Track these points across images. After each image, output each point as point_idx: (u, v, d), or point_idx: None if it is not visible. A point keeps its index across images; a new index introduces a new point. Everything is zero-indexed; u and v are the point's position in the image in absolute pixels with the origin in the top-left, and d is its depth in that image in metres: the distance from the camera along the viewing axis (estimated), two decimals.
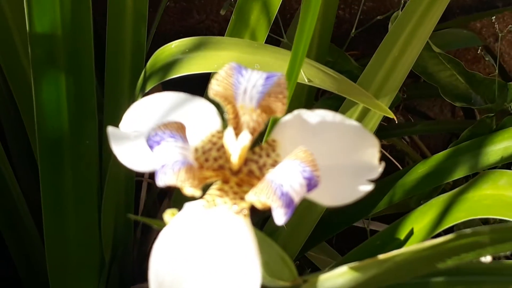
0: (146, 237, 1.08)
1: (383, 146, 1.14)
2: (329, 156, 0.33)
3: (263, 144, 0.33)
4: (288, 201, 0.28)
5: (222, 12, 0.97)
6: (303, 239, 0.86)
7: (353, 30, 1.07)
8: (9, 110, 0.83)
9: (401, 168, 1.09)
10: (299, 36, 0.48)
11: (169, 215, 0.31)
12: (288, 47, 1.01)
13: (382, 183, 0.91)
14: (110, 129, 0.34)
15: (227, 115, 0.32)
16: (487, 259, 0.32)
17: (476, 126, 0.97)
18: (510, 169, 0.90)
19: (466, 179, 0.92)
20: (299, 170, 0.29)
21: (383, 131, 1.13)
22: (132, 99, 0.75)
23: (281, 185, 0.28)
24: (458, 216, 0.54)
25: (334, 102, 0.99)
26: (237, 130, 0.32)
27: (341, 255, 1.08)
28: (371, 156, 0.34)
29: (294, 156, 0.30)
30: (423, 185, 0.85)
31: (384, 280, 0.37)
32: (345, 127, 0.34)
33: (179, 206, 0.34)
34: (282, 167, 0.30)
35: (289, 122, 0.33)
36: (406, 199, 0.88)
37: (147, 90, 0.63)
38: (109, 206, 0.75)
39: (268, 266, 0.35)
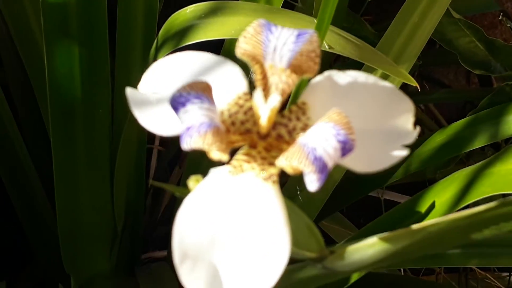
0: (157, 204, 1.07)
1: None
2: (362, 120, 0.31)
3: (293, 106, 0.31)
4: (321, 166, 0.26)
5: None
6: (318, 209, 0.84)
7: None
8: (19, 78, 0.82)
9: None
10: (325, 3, 0.46)
11: (193, 181, 0.30)
12: (302, 12, 0.98)
13: None
14: (129, 91, 0.32)
15: (255, 75, 0.30)
16: None
17: (496, 94, 0.94)
18: None
19: (482, 149, 0.91)
20: (333, 133, 0.27)
21: None
22: (145, 66, 0.73)
23: (314, 149, 0.27)
24: (483, 191, 0.53)
25: (353, 65, 0.98)
26: (265, 92, 0.30)
27: (354, 225, 1.07)
28: (406, 120, 0.32)
29: (327, 118, 0.28)
30: (441, 155, 0.84)
31: (415, 251, 0.35)
32: (378, 89, 0.32)
33: (191, 174, 0.32)
34: (314, 130, 0.28)
35: (319, 84, 0.31)
36: (422, 169, 0.87)
37: (160, 58, 0.62)
38: (121, 174, 0.74)
39: (294, 236, 0.34)
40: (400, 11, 0.81)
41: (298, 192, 0.71)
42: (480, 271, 1.08)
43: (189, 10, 0.61)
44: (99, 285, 0.80)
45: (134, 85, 0.78)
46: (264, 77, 0.30)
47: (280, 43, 0.29)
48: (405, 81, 0.64)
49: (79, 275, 0.79)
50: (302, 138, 0.27)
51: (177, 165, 1.05)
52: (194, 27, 0.60)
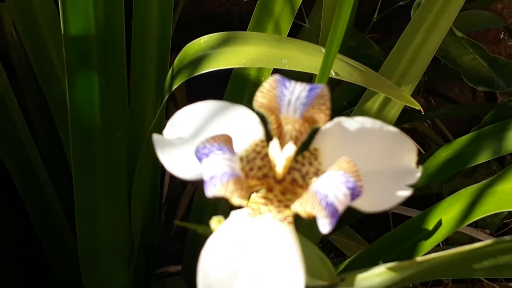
0: (170, 221, 1.10)
1: (404, 130, 1.15)
2: (369, 163, 0.34)
3: (306, 152, 0.34)
4: (333, 211, 0.29)
5: None
6: None
7: (375, 14, 1.07)
8: (39, 106, 0.85)
9: (422, 151, 1.10)
10: (332, 35, 0.49)
11: (215, 222, 0.33)
12: (310, 33, 1.01)
13: None
14: (156, 136, 0.35)
15: (271, 125, 0.33)
16: None
17: (499, 110, 0.97)
18: None
19: (487, 162, 0.93)
20: (343, 180, 0.30)
21: (405, 115, 1.13)
22: (159, 92, 0.76)
23: (326, 196, 0.30)
24: (487, 209, 0.55)
25: (357, 86, 1.00)
26: (280, 140, 0.33)
27: (363, 237, 1.09)
28: (409, 160, 0.35)
29: (338, 166, 0.31)
30: (446, 169, 0.86)
31: (419, 278, 0.38)
32: (384, 133, 0.35)
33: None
34: (326, 177, 0.31)
35: (329, 131, 0.34)
36: (428, 183, 0.89)
37: (175, 86, 0.64)
38: (138, 194, 0.77)
39: (308, 267, 0.37)
40: (404, 32, 0.83)
41: None
42: (487, 281, 1.10)
43: (203, 41, 0.64)
44: None
45: (148, 111, 0.81)
46: (279, 126, 0.33)
47: (294, 97, 0.32)
48: (408, 104, 0.67)
49: None
50: (315, 185, 0.30)
51: (190, 182, 1.08)
52: (207, 57, 0.63)
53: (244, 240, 0.32)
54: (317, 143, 0.34)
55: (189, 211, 0.97)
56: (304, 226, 0.85)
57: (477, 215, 0.55)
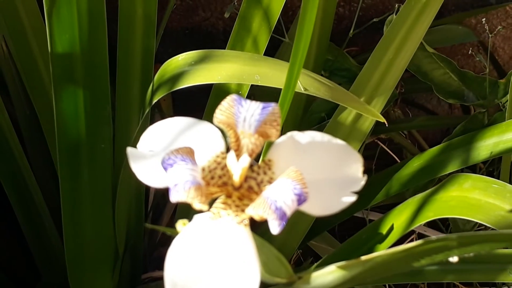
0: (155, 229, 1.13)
1: (381, 140, 1.19)
2: (318, 171, 0.38)
3: (261, 163, 0.38)
4: (281, 214, 0.34)
5: (226, 15, 1.02)
6: (305, 230, 0.91)
7: (352, 29, 1.12)
8: (29, 119, 0.89)
9: (399, 161, 1.14)
10: (295, 53, 0.53)
11: (181, 224, 0.37)
12: (289, 47, 1.05)
13: (380, 176, 0.96)
14: (129, 150, 0.40)
15: (229, 139, 0.37)
16: (454, 259, 0.37)
17: (469, 122, 1.02)
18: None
19: (462, 170, 0.97)
20: (291, 187, 0.34)
21: (381, 126, 1.18)
22: (142, 107, 0.80)
23: (276, 201, 0.34)
24: (427, 215, 0.60)
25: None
26: (238, 152, 0.37)
27: (341, 243, 1.13)
28: (355, 170, 0.39)
29: (286, 175, 0.35)
30: (418, 178, 0.90)
31: (367, 276, 0.42)
32: (332, 145, 0.39)
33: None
34: (276, 185, 0.35)
35: (283, 143, 0.39)
36: (402, 191, 0.94)
37: (155, 100, 0.69)
38: (122, 202, 0.81)
39: (266, 266, 0.41)
40: (376, 48, 0.88)
41: None
42: (463, 286, 1.13)
43: (181, 58, 0.69)
44: None
45: (133, 122, 0.84)
46: (237, 140, 0.37)
47: (248, 114, 0.36)
48: (375, 118, 0.71)
49: None
50: (266, 192, 0.35)
51: None
52: (185, 73, 0.68)
53: (205, 240, 0.36)
54: (271, 154, 0.39)
55: (174, 217, 1.01)
56: (282, 235, 0.89)
57: (420, 221, 0.60)
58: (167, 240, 1.08)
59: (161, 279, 1.05)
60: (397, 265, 0.39)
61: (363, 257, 0.39)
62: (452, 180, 0.62)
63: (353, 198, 0.38)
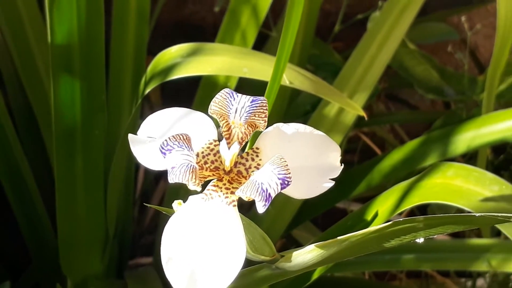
0: (143, 216, 1.17)
1: (364, 133, 1.23)
2: (300, 159, 0.43)
3: (249, 150, 0.43)
4: (266, 196, 0.38)
5: (217, 9, 1.06)
6: (288, 219, 0.95)
7: (337, 25, 1.16)
8: (22, 105, 0.92)
9: (380, 153, 1.18)
10: (281, 47, 0.57)
11: (176, 204, 0.41)
12: (277, 41, 1.09)
13: (362, 168, 1.00)
14: (130, 136, 0.44)
15: (222, 128, 0.41)
16: (420, 240, 0.41)
17: (448, 116, 1.06)
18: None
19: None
20: (276, 173, 0.38)
21: (364, 119, 1.22)
22: (135, 95, 0.84)
23: (262, 184, 0.38)
24: (412, 201, 0.64)
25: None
26: (229, 140, 0.42)
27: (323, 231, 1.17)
28: (334, 159, 0.44)
29: (272, 162, 0.39)
30: (399, 170, 0.94)
31: (344, 255, 0.47)
32: (313, 136, 0.43)
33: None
34: (262, 170, 0.39)
35: (269, 133, 0.43)
36: (383, 182, 0.97)
37: (148, 90, 0.72)
38: (113, 187, 0.84)
39: (252, 244, 0.45)
40: (359, 44, 0.92)
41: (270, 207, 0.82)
42: (440, 276, 1.18)
43: (174, 50, 0.73)
44: (92, 285, 0.90)
45: (125, 111, 0.88)
46: (229, 130, 0.42)
47: (239, 106, 0.41)
48: (355, 112, 0.75)
49: (74, 275, 0.89)
50: (253, 176, 0.39)
51: (162, 179, 1.15)
52: (178, 65, 0.72)
53: (198, 218, 0.40)
54: (259, 143, 0.43)
55: (161, 205, 1.05)
56: (267, 222, 0.93)
57: (405, 206, 0.64)
58: (153, 228, 1.12)
59: (148, 265, 1.08)
60: (370, 245, 0.43)
61: (340, 237, 0.43)
62: (436, 168, 0.66)
63: (331, 184, 0.43)
